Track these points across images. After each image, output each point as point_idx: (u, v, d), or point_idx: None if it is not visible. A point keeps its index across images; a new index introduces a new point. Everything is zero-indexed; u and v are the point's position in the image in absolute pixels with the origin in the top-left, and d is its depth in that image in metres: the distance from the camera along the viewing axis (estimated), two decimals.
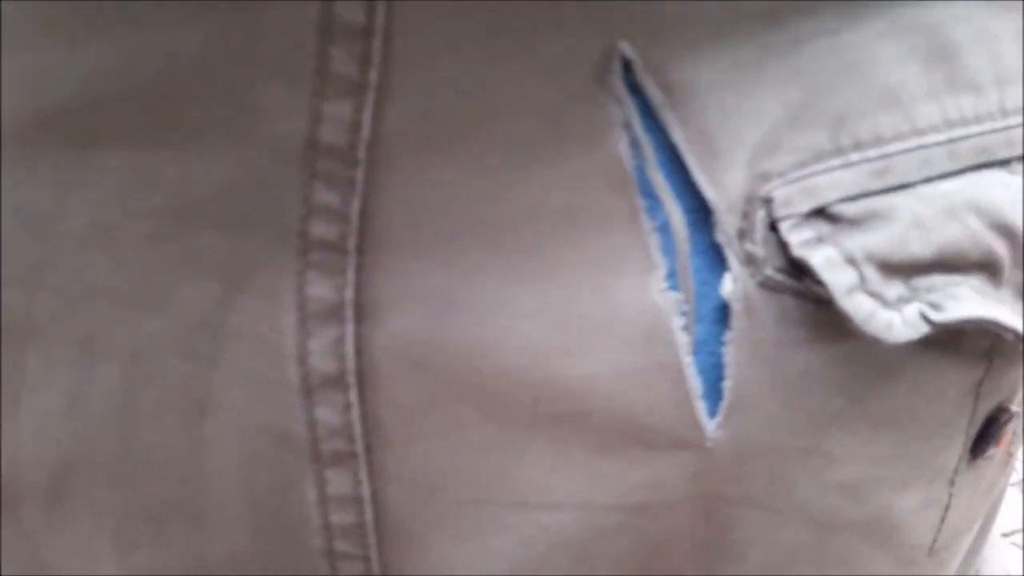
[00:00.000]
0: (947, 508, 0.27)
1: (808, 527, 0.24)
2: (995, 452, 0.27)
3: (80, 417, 0.22)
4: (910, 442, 0.25)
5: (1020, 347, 0.25)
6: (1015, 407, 0.27)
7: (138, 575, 0.24)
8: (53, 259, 0.21)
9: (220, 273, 0.21)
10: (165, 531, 0.23)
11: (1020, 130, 0.24)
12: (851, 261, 0.21)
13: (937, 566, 0.29)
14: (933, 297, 0.22)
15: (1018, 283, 0.24)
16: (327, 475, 0.22)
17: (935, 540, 0.27)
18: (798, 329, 0.22)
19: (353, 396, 0.21)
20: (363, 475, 0.22)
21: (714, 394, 0.22)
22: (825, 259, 0.21)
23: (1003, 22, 0.24)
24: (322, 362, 0.21)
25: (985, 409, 0.26)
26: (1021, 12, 0.24)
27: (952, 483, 0.26)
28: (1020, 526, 1.63)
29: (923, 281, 0.22)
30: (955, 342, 0.24)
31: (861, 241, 0.21)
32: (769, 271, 0.21)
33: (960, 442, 0.26)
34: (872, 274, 0.21)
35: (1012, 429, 0.27)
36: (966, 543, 0.30)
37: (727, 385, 0.21)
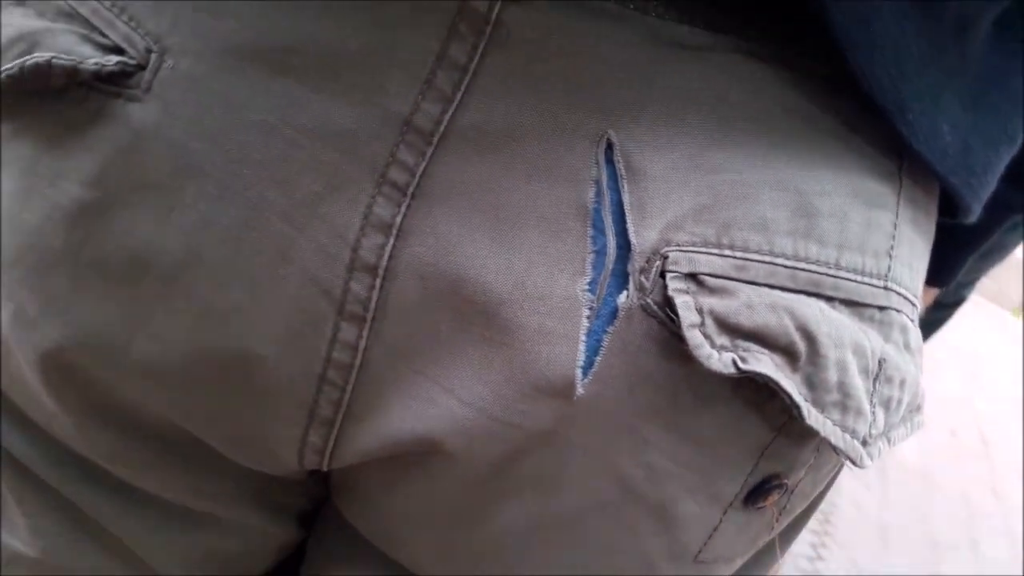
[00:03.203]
0: (715, 529, 0.36)
1: (616, 485, 0.34)
2: (764, 509, 0.37)
3: (202, 232, 0.32)
4: (703, 461, 0.34)
5: (803, 435, 0.34)
6: (788, 482, 0.36)
7: (185, 349, 0.34)
8: (229, 132, 0.32)
9: (326, 178, 0.31)
10: (223, 320, 0.33)
11: (848, 283, 0.33)
12: (699, 311, 0.31)
13: None
14: (744, 355, 0.31)
15: (808, 376, 0.32)
16: (342, 325, 0.33)
17: (700, 551, 0.36)
18: (653, 344, 0.31)
19: (378, 283, 0.32)
20: (365, 333, 0.33)
21: (588, 366, 0.32)
22: (684, 303, 0.30)
23: (855, 207, 0.33)
24: (367, 254, 0.32)
25: (766, 469, 0.35)
26: (870, 206, 0.33)
27: (725, 512, 0.35)
28: None
29: (742, 343, 0.31)
30: (758, 409, 0.33)
31: (710, 302, 0.31)
32: (649, 300, 0.31)
33: (740, 482, 0.35)
34: (711, 323, 0.30)
35: (779, 497, 0.36)
36: (726, 572, 0.39)
37: (598, 360, 0.32)
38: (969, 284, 1.16)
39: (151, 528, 0.43)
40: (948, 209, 0.39)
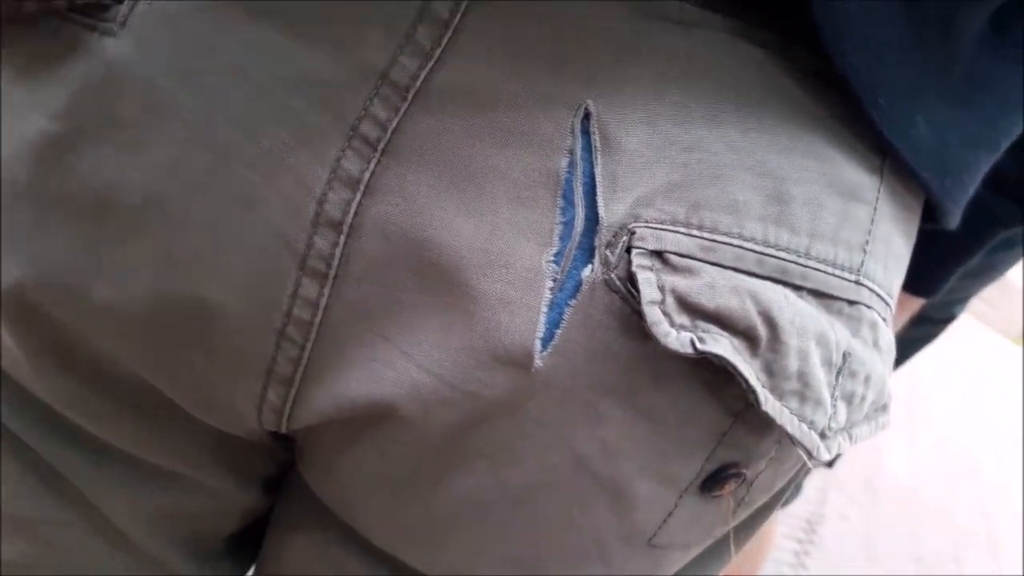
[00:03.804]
0: (670, 514, 0.36)
1: (571, 461, 0.33)
2: (720, 498, 0.36)
3: (167, 175, 0.32)
4: (659, 441, 0.33)
5: (762, 425, 0.33)
6: (747, 472, 0.36)
7: (145, 294, 0.34)
8: (201, 73, 0.31)
9: (296, 128, 0.31)
10: (184, 267, 0.33)
11: (817, 273, 0.32)
12: (661, 288, 0.30)
13: (652, 560, 0.38)
14: (703, 335, 0.30)
15: (768, 362, 0.31)
16: (304, 281, 0.32)
17: (655, 534, 0.36)
18: (615, 320, 0.31)
19: (342, 240, 0.32)
20: (326, 290, 0.32)
21: (549, 338, 0.31)
22: (646, 279, 0.30)
23: (831, 197, 0.32)
24: (332, 209, 0.31)
25: (723, 456, 0.34)
26: (847, 198, 0.32)
27: (680, 496, 0.35)
28: None
29: (702, 324, 0.30)
30: (716, 393, 0.33)
31: (673, 280, 0.30)
32: (613, 276, 0.31)
33: (696, 468, 0.34)
34: (671, 301, 0.30)
35: (737, 487, 0.36)
36: (679, 560, 0.39)
37: (559, 333, 0.31)
38: (960, 302, 1.16)
39: (115, 483, 0.43)
40: (929, 213, 0.38)
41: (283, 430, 0.37)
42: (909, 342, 1.17)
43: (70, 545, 0.45)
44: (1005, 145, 0.37)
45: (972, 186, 0.37)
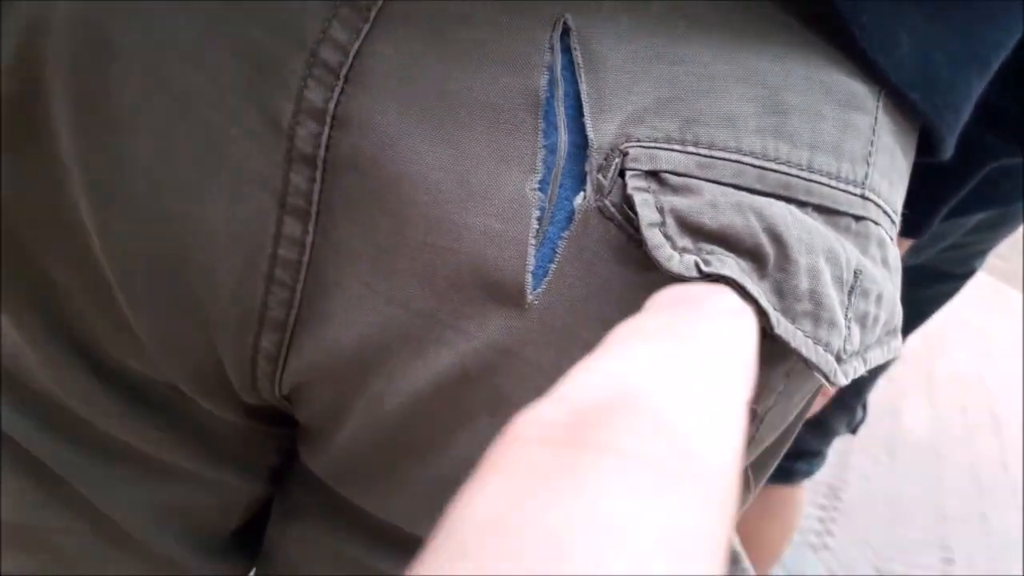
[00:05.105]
0: None
1: None
2: None
3: (129, 128, 0.30)
4: None
5: (772, 357, 0.31)
6: (757, 408, 0.34)
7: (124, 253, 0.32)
8: (148, 9, 0.29)
9: (253, 59, 0.29)
10: (160, 223, 0.32)
11: (821, 187, 0.30)
12: (660, 209, 0.28)
13: None
14: (708, 257, 0.28)
15: (778, 283, 0.29)
16: (286, 219, 0.31)
17: None
18: (610, 251, 0.29)
19: (318, 175, 0.30)
20: (311, 228, 0.31)
21: (541, 273, 0.29)
22: (643, 200, 0.28)
23: (829, 106, 0.30)
24: (303, 144, 0.29)
25: None
26: (846, 107, 0.31)
27: None
28: None
29: (705, 246, 0.28)
30: None
31: (672, 200, 0.28)
32: (607, 202, 0.29)
33: None
34: (672, 223, 0.28)
35: (747, 425, 0.35)
36: None
37: (552, 268, 0.29)
38: (980, 255, 1.13)
39: (119, 480, 0.42)
40: (920, 144, 0.36)
41: (278, 391, 0.36)
42: (929, 299, 1.15)
43: (74, 552, 0.44)
44: (995, 63, 0.35)
45: (965, 111, 0.35)
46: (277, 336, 0.33)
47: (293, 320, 0.33)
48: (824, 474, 2.34)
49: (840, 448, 2.48)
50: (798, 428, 0.40)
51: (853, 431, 1.27)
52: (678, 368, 0.14)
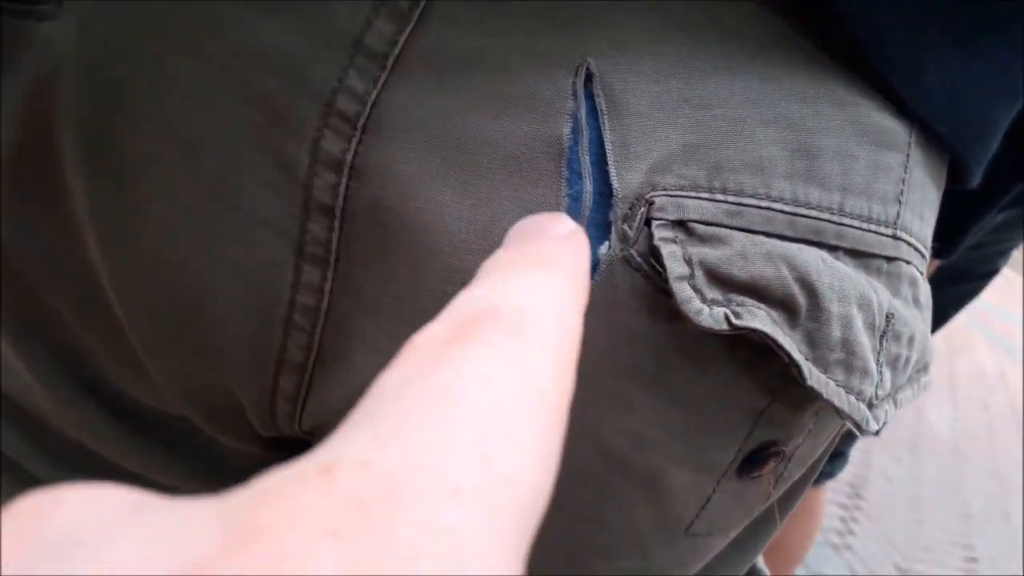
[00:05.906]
0: (708, 500, 0.33)
1: (599, 453, 0.31)
2: (759, 478, 0.34)
3: (137, 178, 0.30)
4: (694, 428, 0.31)
5: (802, 400, 0.31)
6: (786, 449, 0.34)
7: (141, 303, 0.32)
8: (152, 54, 0.29)
9: (266, 108, 0.28)
10: (174, 271, 0.31)
11: (852, 231, 0.30)
12: (688, 261, 0.27)
13: (691, 548, 0.35)
14: (738, 310, 0.27)
15: (809, 332, 0.28)
16: (304, 267, 0.30)
17: (692, 522, 0.34)
18: (638, 301, 0.28)
19: (336, 224, 0.29)
20: (329, 275, 0.30)
21: None
22: (671, 252, 0.27)
23: (861, 147, 0.30)
24: (321, 194, 0.29)
25: (760, 436, 0.32)
26: (878, 146, 0.30)
27: (718, 482, 0.33)
28: None
29: (736, 297, 0.28)
30: (751, 371, 0.30)
31: (701, 251, 0.28)
32: (633, 251, 0.28)
33: (733, 451, 0.32)
34: (700, 275, 0.27)
35: (776, 465, 0.34)
36: (718, 545, 0.37)
37: None
38: (1003, 253, 1.11)
39: None
40: (949, 174, 0.35)
41: (299, 428, 0.35)
42: (951, 299, 1.14)
43: None
44: (1023, 94, 0.34)
45: (994, 142, 0.34)
46: (296, 377, 0.33)
47: (312, 362, 0.32)
48: (846, 473, 2.33)
49: (862, 447, 2.46)
50: (823, 463, 0.40)
51: (876, 433, 1.26)
52: (532, 284, 0.18)
